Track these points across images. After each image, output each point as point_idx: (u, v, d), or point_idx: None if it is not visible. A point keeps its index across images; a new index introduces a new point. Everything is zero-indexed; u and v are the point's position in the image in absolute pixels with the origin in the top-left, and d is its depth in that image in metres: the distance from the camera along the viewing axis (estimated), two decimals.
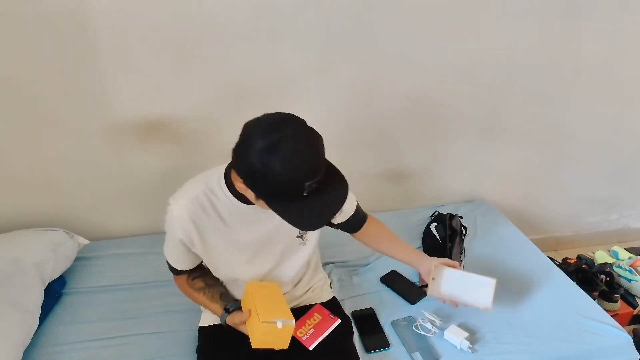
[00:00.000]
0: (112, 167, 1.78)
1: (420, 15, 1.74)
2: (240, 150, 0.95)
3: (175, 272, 1.24)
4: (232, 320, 1.15)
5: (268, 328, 1.04)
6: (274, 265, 1.22)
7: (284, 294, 1.26)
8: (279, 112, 0.97)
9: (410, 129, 1.99)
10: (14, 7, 1.45)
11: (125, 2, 1.51)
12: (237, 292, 1.27)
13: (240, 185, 1.00)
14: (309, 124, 0.97)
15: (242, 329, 1.14)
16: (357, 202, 1.35)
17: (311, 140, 0.94)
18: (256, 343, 1.07)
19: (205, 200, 1.09)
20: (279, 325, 1.05)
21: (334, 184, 1.00)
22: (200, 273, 1.25)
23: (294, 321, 1.08)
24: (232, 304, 1.19)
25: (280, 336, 1.07)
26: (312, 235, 1.26)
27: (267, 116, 0.96)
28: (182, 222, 1.08)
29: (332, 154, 1.24)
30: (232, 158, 0.98)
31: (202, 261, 1.23)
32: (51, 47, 1.53)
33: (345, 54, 1.75)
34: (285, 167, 0.89)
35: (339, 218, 1.30)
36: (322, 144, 0.97)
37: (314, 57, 1.74)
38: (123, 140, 1.73)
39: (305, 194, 0.93)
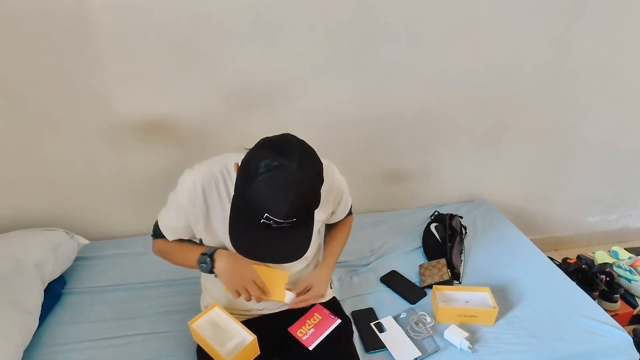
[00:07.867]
0: (112, 167, 1.78)
1: (421, 22, 1.74)
2: (250, 152, 0.99)
3: (159, 237, 1.23)
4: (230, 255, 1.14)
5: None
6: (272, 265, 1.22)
7: None
8: (296, 141, 0.99)
9: (411, 130, 1.98)
10: (14, 7, 1.45)
11: (125, 2, 1.51)
12: None
13: (236, 167, 1.04)
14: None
15: (239, 266, 1.12)
16: (351, 207, 1.36)
17: (294, 185, 0.93)
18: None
19: (219, 178, 1.13)
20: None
21: (294, 240, 1.03)
22: None
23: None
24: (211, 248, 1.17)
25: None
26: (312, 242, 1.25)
27: (282, 137, 0.99)
28: (194, 189, 1.11)
29: (333, 155, 1.25)
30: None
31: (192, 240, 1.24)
32: (51, 47, 1.53)
33: (347, 57, 1.75)
34: (258, 193, 0.93)
35: (332, 218, 1.35)
36: (310, 193, 0.97)
37: (316, 60, 1.73)
38: (123, 140, 1.73)
39: (261, 221, 0.95)
